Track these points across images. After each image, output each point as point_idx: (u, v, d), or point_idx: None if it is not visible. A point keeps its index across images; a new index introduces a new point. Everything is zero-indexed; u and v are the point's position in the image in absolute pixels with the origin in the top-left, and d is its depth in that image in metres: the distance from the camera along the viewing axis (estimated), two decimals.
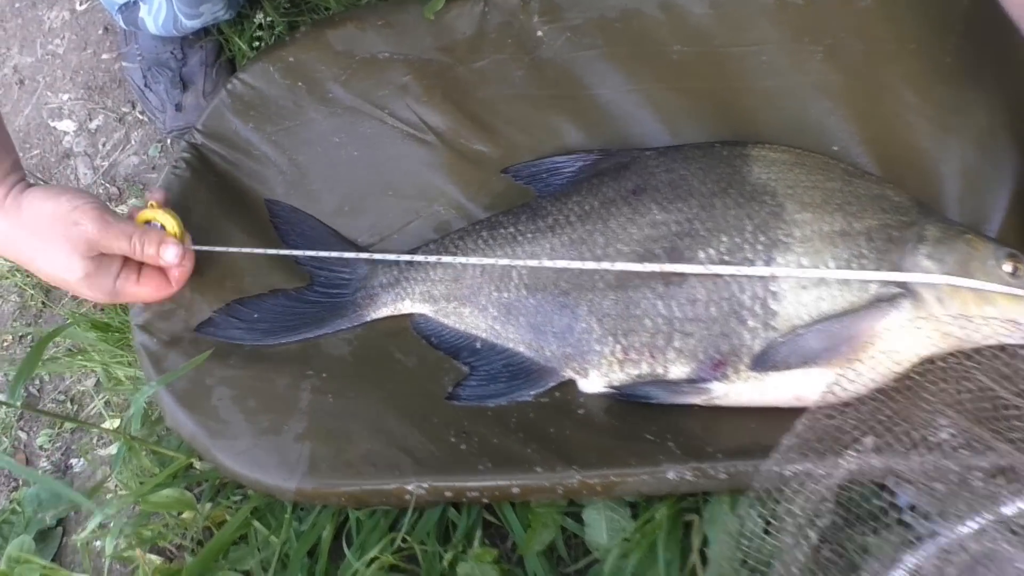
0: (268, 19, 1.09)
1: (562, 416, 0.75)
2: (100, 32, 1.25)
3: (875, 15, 0.83)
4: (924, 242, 0.69)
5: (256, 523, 0.77)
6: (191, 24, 1.03)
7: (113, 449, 0.87)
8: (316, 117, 0.92)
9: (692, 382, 0.71)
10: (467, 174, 0.89)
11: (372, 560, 0.71)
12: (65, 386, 1.00)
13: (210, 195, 0.91)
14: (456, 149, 0.90)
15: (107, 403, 0.96)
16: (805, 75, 0.84)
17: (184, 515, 0.81)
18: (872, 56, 0.83)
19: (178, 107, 1.12)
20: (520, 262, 0.78)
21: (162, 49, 1.12)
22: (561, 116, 0.89)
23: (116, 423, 0.90)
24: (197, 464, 0.82)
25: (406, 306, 0.84)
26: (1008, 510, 0.53)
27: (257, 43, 1.11)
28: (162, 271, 0.79)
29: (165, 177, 0.91)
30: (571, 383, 0.77)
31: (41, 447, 0.97)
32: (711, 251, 0.72)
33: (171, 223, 0.79)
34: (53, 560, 0.87)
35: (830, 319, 0.68)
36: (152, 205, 0.80)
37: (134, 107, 1.20)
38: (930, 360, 0.65)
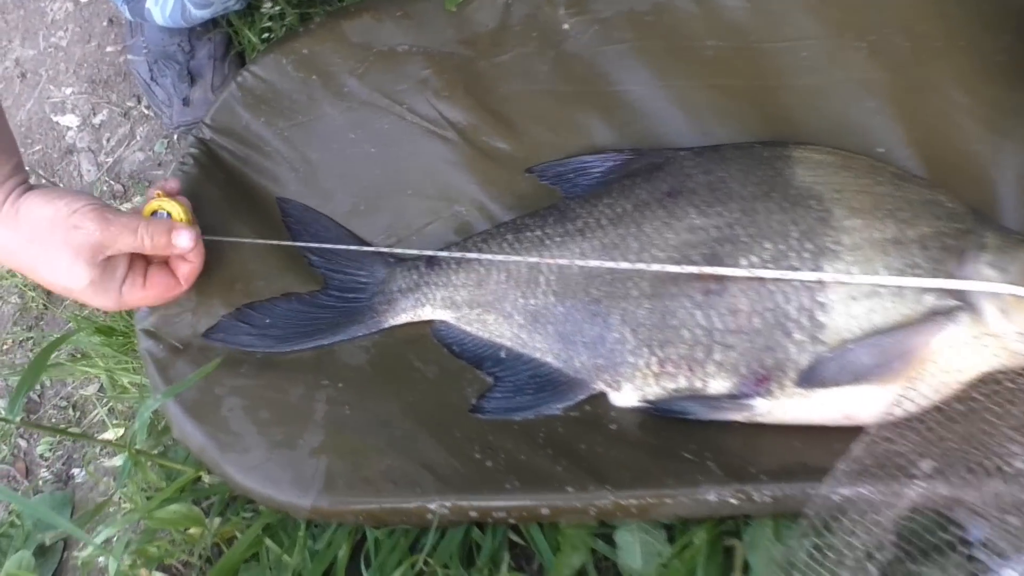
0: (278, 9, 1.05)
1: (593, 431, 0.71)
2: (104, 24, 1.21)
3: (922, 10, 0.79)
4: (984, 250, 0.65)
5: (268, 541, 0.73)
6: (200, 14, 0.99)
7: (117, 460, 0.83)
8: (331, 112, 0.88)
9: (733, 398, 0.67)
10: (489, 173, 0.85)
11: None
12: (67, 391, 0.97)
13: (219, 192, 0.87)
14: (478, 147, 0.85)
15: (110, 410, 0.92)
16: (847, 73, 0.80)
17: (191, 530, 0.77)
18: (919, 53, 0.78)
19: (185, 101, 1.08)
20: (552, 260, 0.74)
21: (169, 41, 1.08)
22: (588, 113, 0.84)
23: (120, 432, 0.86)
24: (205, 477, 0.78)
25: (426, 312, 0.79)
26: None
27: (267, 35, 1.07)
28: (169, 270, 0.75)
29: (173, 174, 0.88)
30: (602, 396, 0.73)
31: (42, 456, 0.94)
32: (754, 258, 0.68)
33: (178, 211, 0.76)
34: None
35: (882, 333, 0.64)
36: (159, 195, 0.76)
37: (139, 101, 1.16)
38: (994, 379, 0.61)
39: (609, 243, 0.74)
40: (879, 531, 0.51)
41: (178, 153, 1.12)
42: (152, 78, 1.10)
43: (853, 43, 0.80)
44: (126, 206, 1.08)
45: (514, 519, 0.68)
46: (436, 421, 0.73)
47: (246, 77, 0.89)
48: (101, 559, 0.78)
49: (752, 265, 0.67)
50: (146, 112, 1.15)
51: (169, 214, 0.76)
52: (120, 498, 0.79)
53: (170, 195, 0.77)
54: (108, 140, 1.15)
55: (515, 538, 0.72)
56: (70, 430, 0.90)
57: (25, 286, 1.04)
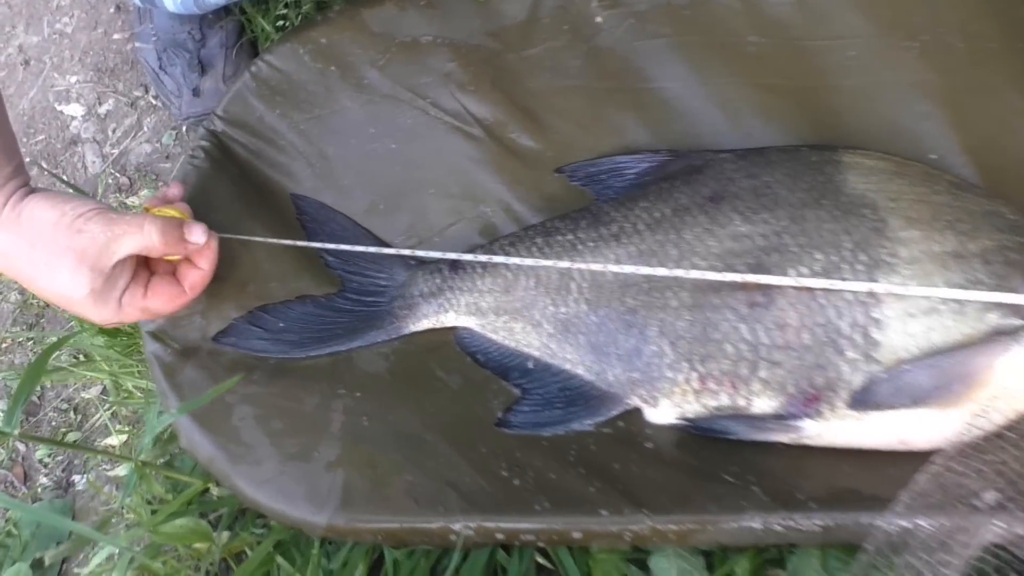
0: None
1: (627, 450, 0.67)
2: (112, 10, 1.17)
3: (978, 9, 0.74)
4: None
5: (280, 559, 0.69)
6: (213, 0, 0.94)
7: (120, 470, 0.79)
8: (349, 105, 0.84)
9: (780, 418, 0.63)
10: (517, 172, 0.81)
11: None
12: (68, 394, 0.92)
13: (231, 188, 0.83)
14: (505, 144, 0.81)
15: (113, 414, 0.88)
16: (898, 74, 0.75)
17: (198, 544, 0.73)
18: (974, 55, 0.74)
19: (195, 92, 1.04)
20: (583, 265, 0.69)
21: (179, 29, 1.03)
22: (622, 111, 0.80)
23: (123, 438, 0.82)
24: (214, 489, 0.74)
25: (450, 318, 0.75)
26: None
27: (282, 23, 1.02)
28: (174, 280, 0.71)
29: (181, 167, 0.84)
30: (636, 412, 0.69)
31: (41, 461, 0.89)
32: (803, 269, 0.64)
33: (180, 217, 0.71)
34: None
35: (942, 353, 0.60)
36: (147, 208, 0.71)
37: (147, 91, 1.12)
38: None
39: (646, 249, 0.69)
40: (949, 573, 0.47)
41: (187, 145, 1.08)
42: (161, 67, 1.05)
43: (904, 43, 0.76)
44: (132, 199, 1.04)
45: (543, 542, 0.64)
46: (460, 435, 0.69)
47: (261, 67, 0.85)
48: None
49: (802, 277, 0.63)
50: (154, 102, 1.11)
51: None
52: (123, 509, 0.75)
53: (170, 202, 0.73)
54: (114, 131, 1.11)
55: (543, 561, 0.68)
56: (72, 438, 0.86)
57: None
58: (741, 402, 0.65)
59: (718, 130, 0.79)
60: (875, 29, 0.76)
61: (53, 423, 0.93)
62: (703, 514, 0.60)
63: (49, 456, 0.89)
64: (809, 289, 0.62)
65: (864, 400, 0.61)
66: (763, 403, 0.64)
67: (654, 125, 0.80)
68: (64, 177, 1.10)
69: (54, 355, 0.88)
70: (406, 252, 0.74)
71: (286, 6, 1.02)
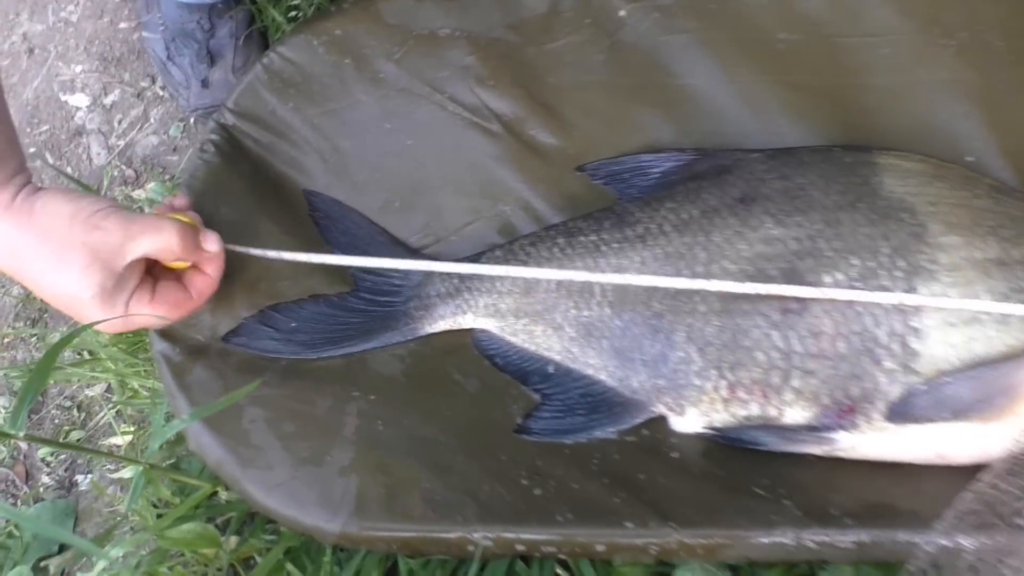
0: None
1: (652, 459, 0.64)
2: None
3: (1018, 6, 0.72)
4: None
5: (290, 566, 0.67)
6: None
7: (125, 472, 0.77)
8: (365, 99, 0.81)
9: (813, 429, 0.61)
10: (537, 170, 0.78)
11: None
12: (72, 391, 0.90)
13: (242, 183, 0.80)
14: (525, 141, 0.79)
15: (118, 412, 0.85)
16: (933, 73, 0.73)
17: (205, 550, 0.71)
18: (1015, 53, 0.72)
19: (204, 83, 1.01)
20: (603, 278, 0.67)
21: (188, 18, 1.01)
22: (646, 108, 0.78)
23: (128, 438, 0.80)
24: (222, 492, 0.71)
25: (467, 320, 0.73)
26: None
27: (294, 14, 1.00)
28: (181, 284, 0.68)
29: (191, 160, 0.82)
30: (660, 420, 0.67)
31: (43, 459, 0.87)
32: (839, 275, 0.61)
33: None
34: None
35: (984, 365, 0.58)
36: (159, 213, 0.69)
37: (154, 82, 1.10)
38: None
39: (673, 252, 0.67)
40: None
41: (194, 138, 1.05)
42: (168, 57, 1.03)
43: (940, 40, 0.73)
44: (138, 192, 1.02)
45: (565, 554, 0.62)
46: (478, 441, 0.67)
47: (273, 59, 0.83)
48: None
49: (837, 283, 0.61)
50: (160, 93, 1.09)
51: None
52: (129, 512, 0.73)
53: (178, 212, 0.71)
54: (120, 122, 1.09)
55: (563, 573, 0.66)
56: (75, 436, 0.84)
57: None
58: (772, 412, 0.62)
59: (745, 129, 0.76)
60: (910, 26, 0.74)
61: (56, 420, 0.90)
62: (733, 529, 0.58)
63: (52, 455, 0.87)
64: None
65: (902, 412, 0.58)
66: (795, 414, 0.62)
67: (679, 123, 0.77)
68: (68, 169, 1.07)
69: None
70: (423, 266, 0.71)
71: None
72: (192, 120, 1.06)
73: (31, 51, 1.15)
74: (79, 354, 0.85)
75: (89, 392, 0.89)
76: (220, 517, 0.73)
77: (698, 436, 0.65)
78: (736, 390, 0.63)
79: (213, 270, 0.69)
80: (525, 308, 0.71)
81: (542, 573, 0.65)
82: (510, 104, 0.79)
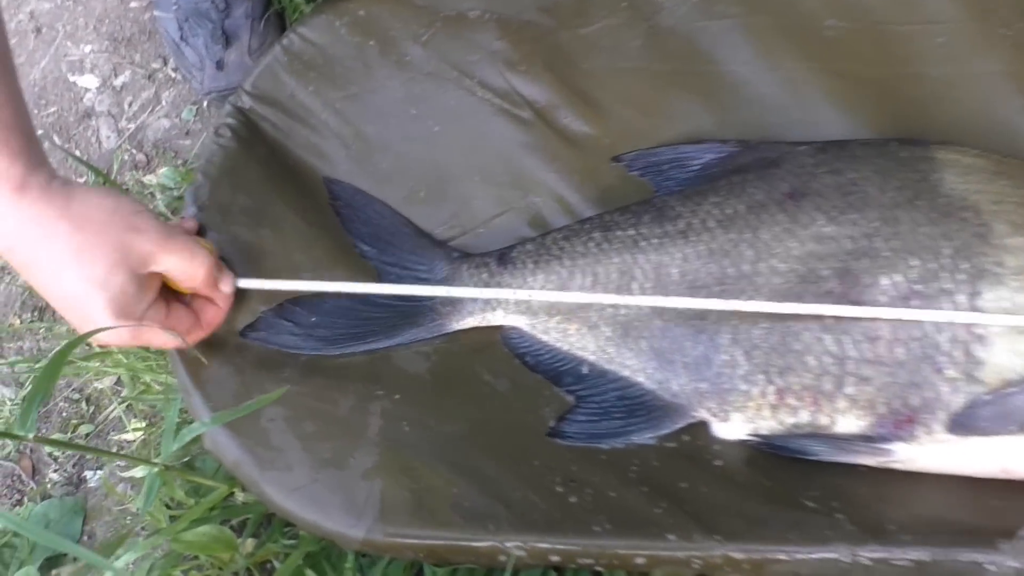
0: None
1: (694, 467, 0.61)
2: None
3: None
4: None
5: (310, 572, 0.64)
6: None
7: (136, 471, 0.74)
8: (389, 83, 0.78)
9: (867, 440, 0.57)
10: (570, 160, 0.75)
11: None
12: (80, 383, 0.87)
13: (259, 169, 0.77)
14: (557, 129, 0.75)
15: (128, 406, 0.82)
16: (991, 64, 0.70)
17: (220, 553, 0.68)
18: None
19: (219, 65, 0.97)
20: (634, 301, 0.64)
21: None
22: (685, 97, 0.74)
23: (139, 434, 0.77)
24: (238, 493, 0.68)
25: (497, 317, 0.70)
26: None
27: None
28: (192, 311, 0.66)
29: (206, 145, 0.78)
30: (702, 425, 0.64)
31: (51, 454, 0.84)
32: (897, 277, 0.58)
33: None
34: None
35: None
36: None
37: (166, 63, 1.06)
38: None
39: (718, 249, 0.64)
40: None
41: (208, 121, 1.02)
42: (182, 38, 0.99)
43: (998, 30, 0.70)
44: (149, 177, 0.98)
45: (602, 566, 0.59)
46: (510, 444, 0.64)
47: (293, 40, 0.79)
48: None
49: (895, 285, 0.58)
50: (173, 75, 1.05)
51: None
52: (139, 511, 0.70)
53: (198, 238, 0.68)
54: (130, 104, 1.05)
55: None
56: (84, 430, 0.81)
57: None
58: (823, 420, 0.59)
59: (789, 119, 0.73)
60: (966, 14, 0.70)
61: (64, 414, 0.87)
62: (783, 544, 0.55)
63: (60, 450, 0.84)
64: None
65: (965, 424, 0.55)
66: (848, 422, 0.58)
67: (719, 112, 0.74)
68: (77, 152, 1.04)
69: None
70: (443, 292, 0.68)
71: None
72: (205, 103, 1.02)
73: (39, 30, 1.11)
74: (88, 345, 0.82)
75: (99, 385, 0.86)
76: (236, 519, 0.70)
77: (741, 443, 0.62)
78: (785, 396, 0.60)
79: (224, 303, 0.67)
80: (559, 306, 0.68)
81: None
82: (542, 90, 0.76)
